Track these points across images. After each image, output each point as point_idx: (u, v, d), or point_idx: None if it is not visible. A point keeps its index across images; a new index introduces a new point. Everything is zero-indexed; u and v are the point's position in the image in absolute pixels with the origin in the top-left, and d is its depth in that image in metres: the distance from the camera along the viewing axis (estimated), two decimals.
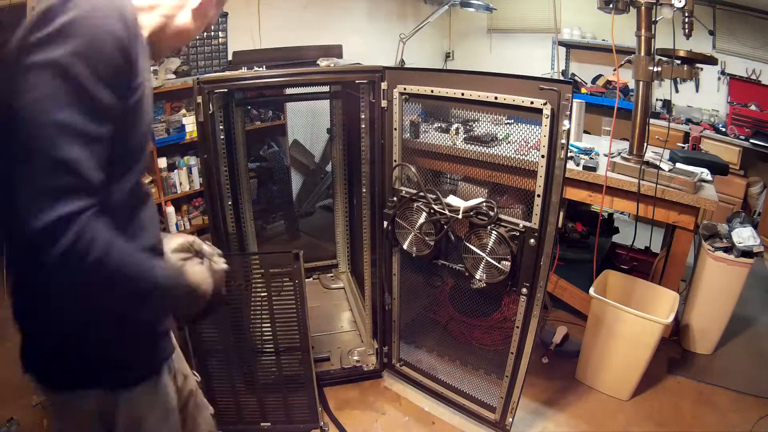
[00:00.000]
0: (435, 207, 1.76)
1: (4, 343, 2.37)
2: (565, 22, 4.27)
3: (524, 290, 1.65)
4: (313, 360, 1.86)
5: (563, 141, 1.45)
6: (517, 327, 1.73)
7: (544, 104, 1.45)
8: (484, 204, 1.66)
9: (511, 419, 1.87)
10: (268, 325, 1.82)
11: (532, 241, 1.58)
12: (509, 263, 1.62)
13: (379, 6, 4.41)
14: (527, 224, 1.59)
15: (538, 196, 1.54)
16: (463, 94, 1.63)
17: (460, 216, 1.68)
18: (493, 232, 1.63)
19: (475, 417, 1.98)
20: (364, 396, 2.16)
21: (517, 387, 1.81)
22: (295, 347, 1.84)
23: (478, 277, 1.71)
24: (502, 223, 1.64)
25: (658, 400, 2.14)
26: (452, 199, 1.73)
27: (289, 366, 1.88)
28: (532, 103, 1.48)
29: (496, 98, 1.55)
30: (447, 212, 1.72)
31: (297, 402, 1.92)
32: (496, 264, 1.65)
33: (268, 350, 1.86)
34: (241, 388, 1.90)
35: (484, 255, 1.67)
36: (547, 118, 1.45)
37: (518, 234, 1.61)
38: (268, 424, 1.94)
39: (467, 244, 1.70)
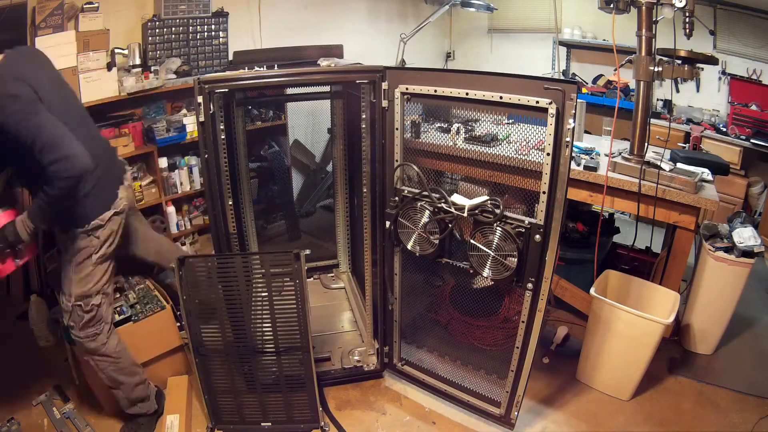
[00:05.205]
0: (440, 206, 1.76)
1: (4, 343, 2.37)
2: (565, 22, 4.27)
3: (530, 285, 1.67)
4: (313, 360, 1.86)
5: (568, 139, 1.47)
6: (523, 321, 1.74)
7: (550, 104, 1.46)
8: (489, 202, 1.66)
9: (516, 413, 1.87)
10: (269, 325, 1.82)
11: (537, 237, 1.60)
12: (516, 259, 1.63)
13: (380, 6, 4.40)
14: (532, 221, 1.61)
15: (544, 192, 1.55)
16: (467, 94, 1.63)
17: (465, 214, 1.68)
18: (499, 229, 1.64)
19: (479, 412, 1.99)
20: (364, 396, 2.16)
21: (522, 380, 1.81)
22: (296, 347, 1.84)
23: (485, 274, 1.72)
24: (508, 220, 1.65)
25: (659, 400, 2.14)
26: (457, 198, 1.74)
27: (290, 366, 1.88)
28: (537, 102, 1.49)
29: (501, 98, 1.56)
30: (453, 210, 1.72)
31: (297, 402, 1.92)
32: (503, 260, 1.66)
33: (268, 350, 1.86)
34: (242, 388, 1.90)
35: (490, 252, 1.68)
36: (552, 117, 1.47)
37: (524, 230, 1.62)
38: (269, 424, 1.94)
39: (473, 242, 1.70)
